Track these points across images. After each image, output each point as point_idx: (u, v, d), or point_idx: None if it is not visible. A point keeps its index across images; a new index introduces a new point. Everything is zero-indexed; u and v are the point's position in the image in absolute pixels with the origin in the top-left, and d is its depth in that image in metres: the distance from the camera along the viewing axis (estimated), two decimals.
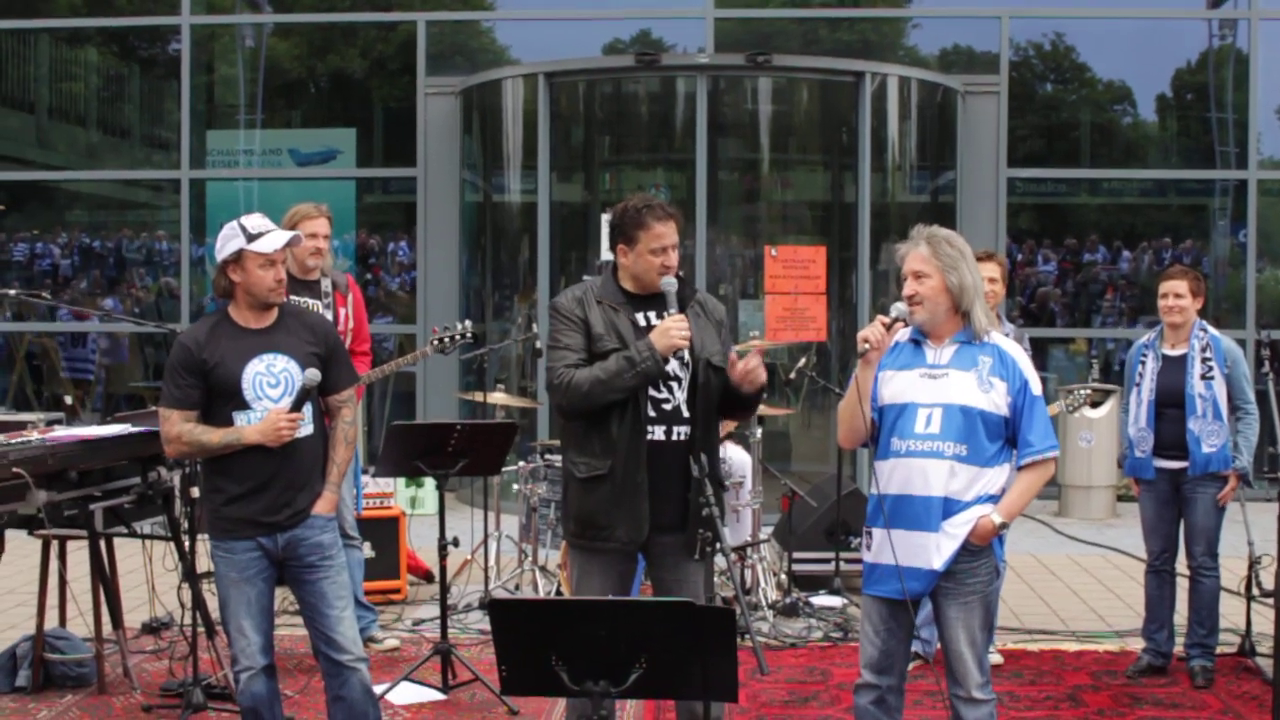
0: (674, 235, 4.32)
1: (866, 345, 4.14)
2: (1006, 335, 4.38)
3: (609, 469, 4.25)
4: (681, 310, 4.28)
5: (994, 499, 4.13)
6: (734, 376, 4.31)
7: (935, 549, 4.09)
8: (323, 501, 4.52)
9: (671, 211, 4.35)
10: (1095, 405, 10.60)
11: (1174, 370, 6.15)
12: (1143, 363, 6.26)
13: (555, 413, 4.56)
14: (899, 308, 4.21)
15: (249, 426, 4.38)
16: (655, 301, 4.36)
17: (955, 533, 4.09)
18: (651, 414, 4.28)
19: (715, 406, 4.41)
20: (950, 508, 4.08)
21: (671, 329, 4.19)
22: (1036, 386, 4.19)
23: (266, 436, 4.36)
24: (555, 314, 4.39)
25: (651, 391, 4.27)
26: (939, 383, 4.14)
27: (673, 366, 4.28)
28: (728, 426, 7.13)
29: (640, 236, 4.30)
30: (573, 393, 4.23)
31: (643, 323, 4.33)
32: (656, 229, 4.29)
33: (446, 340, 6.71)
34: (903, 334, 4.27)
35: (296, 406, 4.41)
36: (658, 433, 4.28)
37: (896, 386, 4.20)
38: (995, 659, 6.27)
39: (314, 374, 4.44)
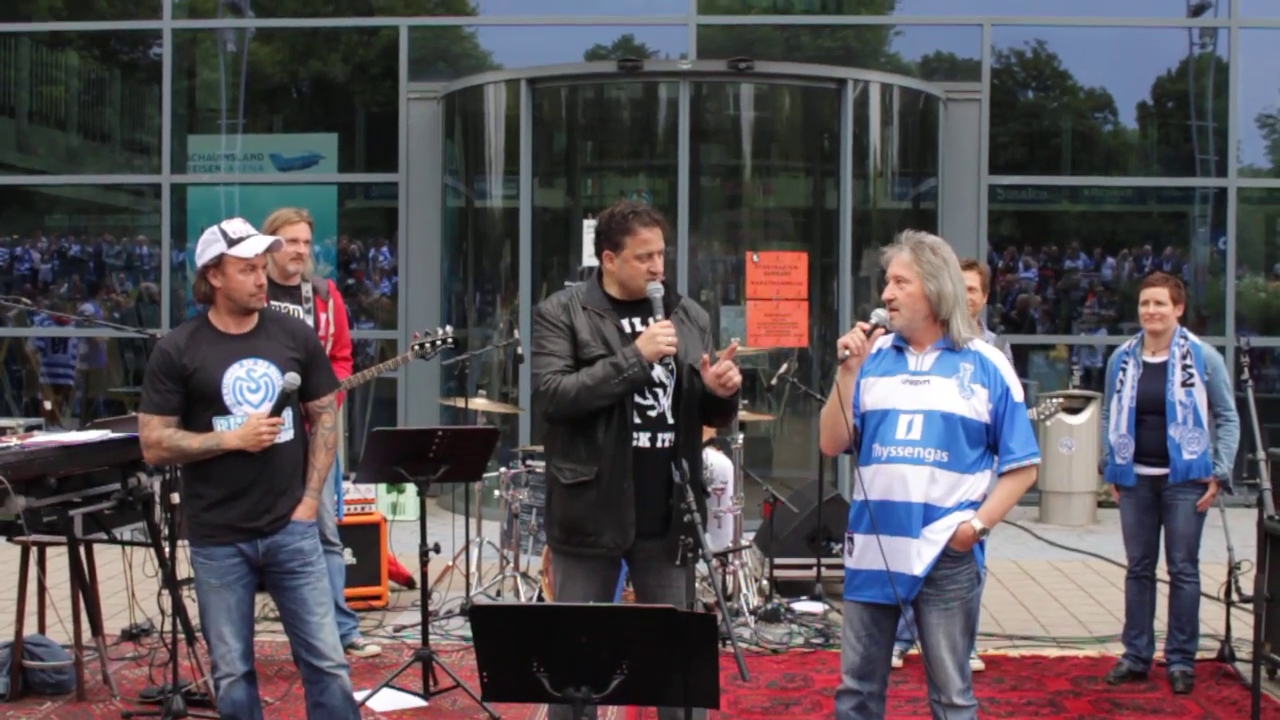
0: (660, 241, 4.32)
1: (846, 352, 4.14)
2: (987, 343, 4.38)
3: (595, 475, 4.25)
4: (666, 316, 4.28)
5: (975, 505, 4.13)
6: (706, 380, 4.28)
7: (916, 555, 4.10)
8: (303, 507, 4.51)
9: (658, 217, 4.34)
10: (1074, 412, 10.62)
11: (1155, 377, 6.17)
12: (1124, 370, 6.28)
13: (541, 419, 4.55)
14: (879, 314, 4.21)
15: (229, 431, 4.37)
16: (641, 307, 4.35)
17: (936, 539, 4.09)
18: (637, 420, 4.27)
19: (699, 413, 4.41)
20: (931, 514, 4.09)
21: (658, 335, 4.18)
22: (1018, 393, 4.20)
23: (246, 441, 4.35)
24: (540, 320, 4.38)
25: (637, 398, 4.27)
26: (920, 389, 4.15)
27: (658, 373, 4.27)
28: (708, 433, 7.12)
29: (626, 242, 4.29)
30: (560, 399, 4.22)
31: (628, 329, 4.33)
32: (643, 234, 4.28)
33: (428, 345, 6.70)
34: (885, 340, 4.27)
35: (276, 411, 4.40)
36: (643, 439, 4.28)
37: (878, 393, 4.20)
38: (976, 665, 6.28)
39: (294, 378, 4.43)
